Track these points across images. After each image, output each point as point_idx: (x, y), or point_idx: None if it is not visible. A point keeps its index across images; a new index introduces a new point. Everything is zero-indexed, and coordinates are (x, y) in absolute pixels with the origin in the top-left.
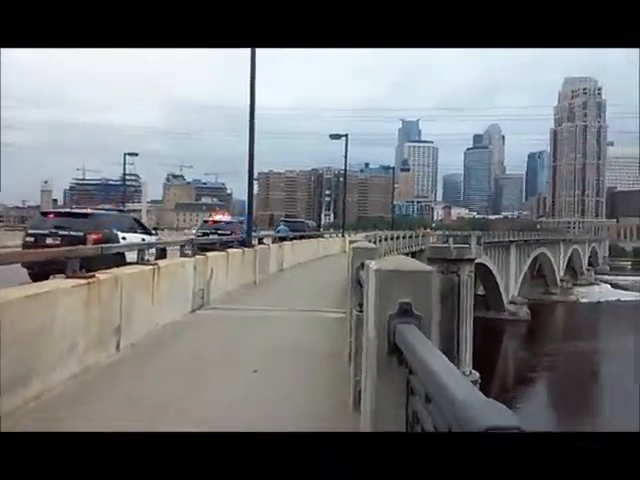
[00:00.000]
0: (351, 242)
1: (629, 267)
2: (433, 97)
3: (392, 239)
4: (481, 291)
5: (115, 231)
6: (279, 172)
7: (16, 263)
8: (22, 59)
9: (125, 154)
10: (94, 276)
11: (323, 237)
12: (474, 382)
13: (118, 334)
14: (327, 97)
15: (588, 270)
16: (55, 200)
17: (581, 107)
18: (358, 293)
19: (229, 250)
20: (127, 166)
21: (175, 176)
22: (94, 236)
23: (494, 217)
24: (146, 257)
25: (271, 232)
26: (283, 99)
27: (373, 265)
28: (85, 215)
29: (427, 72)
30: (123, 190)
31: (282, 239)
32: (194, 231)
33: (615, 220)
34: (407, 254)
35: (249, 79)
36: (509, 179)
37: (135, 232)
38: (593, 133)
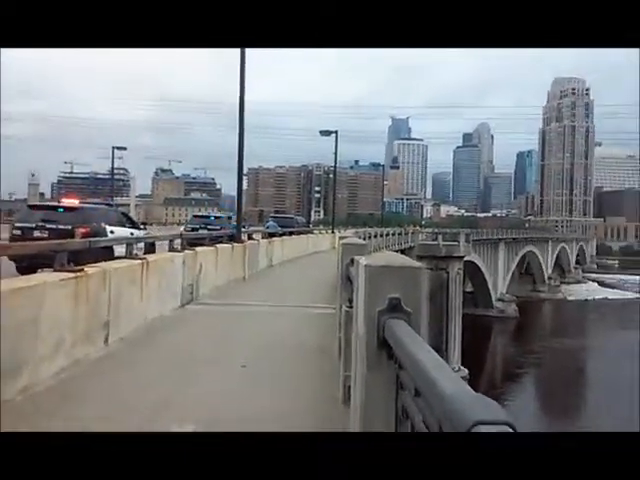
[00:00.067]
0: (341, 238)
1: (616, 266)
2: (423, 95)
3: (382, 236)
4: (470, 288)
5: (103, 225)
6: (269, 168)
7: (3, 256)
8: (8, 53)
9: (113, 148)
10: (82, 270)
11: (313, 233)
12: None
13: (107, 328)
14: (317, 93)
15: (576, 268)
16: (42, 194)
17: (569, 107)
18: (348, 289)
19: (218, 245)
20: (116, 160)
21: (164, 170)
22: (82, 230)
23: (483, 215)
24: (134, 251)
25: (260, 228)
26: (273, 94)
27: (363, 261)
28: (73, 209)
29: (417, 70)
30: (111, 184)
31: (272, 235)
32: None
33: (602, 219)
34: (397, 251)
35: (239, 76)
36: (498, 178)
37: (123, 226)
38: (581, 133)
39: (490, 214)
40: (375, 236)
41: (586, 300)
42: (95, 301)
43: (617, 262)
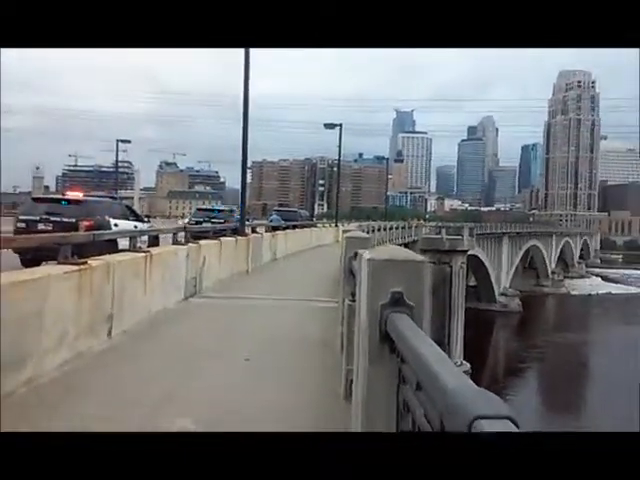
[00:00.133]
0: (344, 232)
1: (620, 260)
2: (428, 88)
3: (385, 229)
4: (473, 282)
5: (107, 218)
6: (273, 161)
7: (7, 249)
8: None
9: (117, 141)
10: (86, 263)
11: (316, 227)
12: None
13: (110, 321)
14: (321, 86)
15: (579, 263)
16: (47, 187)
17: (575, 100)
18: (351, 282)
19: (222, 239)
20: (120, 153)
21: (168, 163)
22: (86, 223)
23: (487, 209)
24: (138, 244)
25: (264, 221)
26: (276, 88)
27: (366, 255)
28: (77, 201)
29: (422, 63)
30: (115, 177)
31: (275, 228)
32: (186, 220)
33: (607, 213)
34: (400, 245)
35: (243, 71)
36: (502, 171)
37: (127, 219)
38: (587, 126)
39: (494, 208)
40: (379, 230)
41: (590, 295)
42: (99, 294)
43: (621, 257)
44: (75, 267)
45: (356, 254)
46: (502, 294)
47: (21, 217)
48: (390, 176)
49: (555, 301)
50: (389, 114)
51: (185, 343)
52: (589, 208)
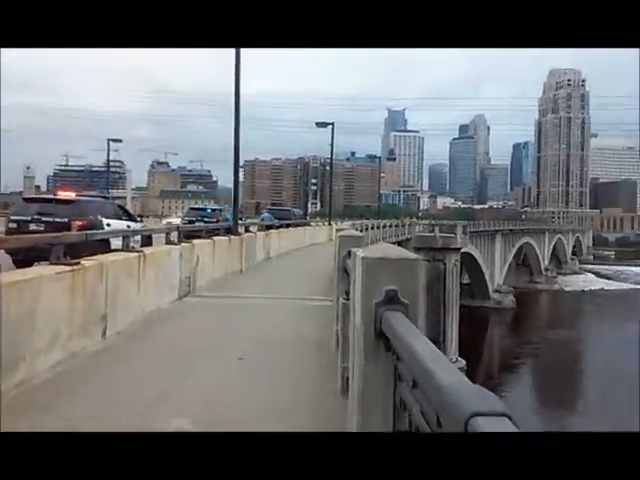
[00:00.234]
0: (338, 230)
1: (612, 257)
2: (419, 87)
3: (379, 228)
4: (467, 280)
5: (100, 218)
6: (265, 160)
7: None
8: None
9: (109, 140)
10: (79, 263)
11: (310, 225)
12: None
13: (104, 321)
14: (313, 85)
15: (572, 259)
16: (38, 186)
17: (565, 98)
18: (345, 281)
19: (215, 238)
20: (111, 152)
21: (160, 163)
22: (78, 222)
23: (479, 207)
24: (131, 244)
25: (256, 220)
26: (269, 86)
27: (360, 253)
28: (69, 201)
29: (414, 62)
30: (107, 177)
31: (269, 227)
32: (173, 219)
33: (598, 211)
34: (394, 243)
35: (234, 72)
36: (494, 169)
37: (120, 219)
38: (577, 124)
39: (487, 206)
40: (372, 228)
41: (583, 291)
42: (92, 294)
43: (613, 253)
44: (68, 267)
45: (350, 252)
46: (496, 291)
47: (13, 217)
48: (382, 174)
49: (548, 297)
50: (381, 113)
51: (179, 343)
52: (581, 205)
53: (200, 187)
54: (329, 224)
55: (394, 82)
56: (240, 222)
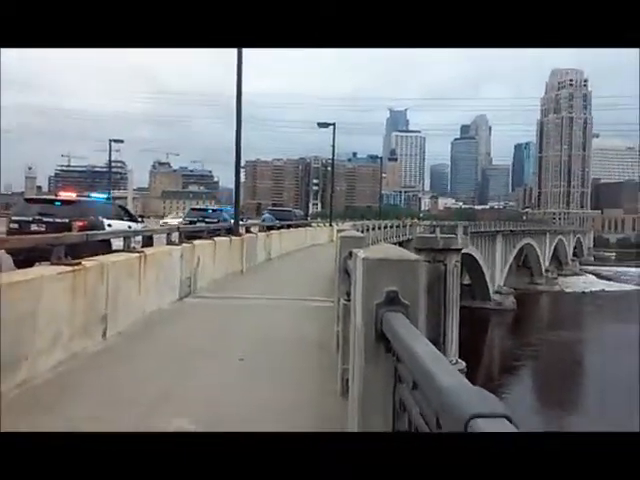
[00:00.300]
0: (339, 231)
1: (613, 258)
2: (421, 87)
3: (380, 228)
4: (467, 281)
5: (101, 218)
6: (266, 160)
7: (0, 250)
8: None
9: (110, 141)
10: (80, 263)
11: (311, 226)
12: (460, 371)
13: (104, 322)
14: (314, 85)
15: (573, 261)
16: (39, 187)
17: (567, 99)
18: (346, 282)
19: (216, 239)
20: (113, 153)
21: (161, 163)
22: (79, 223)
23: (481, 207)
24: (132, 245)
25: (257, 221)
26: (270, 87)
27: (361, 254)
28: (70, 202)
29: (415, 62)
30: (109, 177)
31: (270, 228)
32: (169, 219)
33: (600, 211)
34: (395, 243)
35: (236, 73)
36: (496, 170)
37: (121, 219)
38: (579, 124)
39: (488, 206)
40: (373, 229)
41: (583, 292)
42: (93, 295)
43: (614, 254)
44: (69, 268)
45: (351, 253)
46: (496, 292)
47: (14, 218)
48: (384, 175)
49: (549, 299)
50: (383, 113)
51: (180, 344)
52: (582, 206)
53: (201, 188)
54: (330, 225)
55: (395, 82)
56: (241, 223)
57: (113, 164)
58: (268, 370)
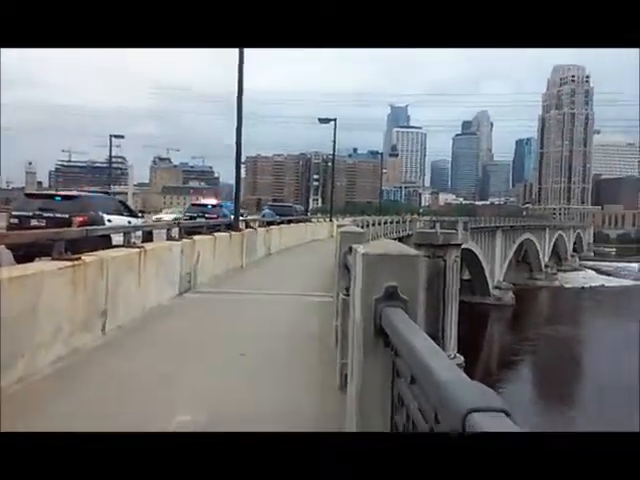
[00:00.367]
0: (339, 227)
1: (613, 253)
2: (422, 83)
3: (380, 224)
4: (467, 276)
5: (101, 213)
6: (267, 156)
7: (0, 245)
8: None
9: (111, 136)
10: (80, 258)
11: (311, 222)
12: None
13: (104, 317)
14: (315, 81)
15: (573, 256)
16: (40, 182)
17: (569, 95)
18: (345, 277)
19: (216, 234)
20: (113, 148)
21: (162, 159)
22: (79, 218)
23: (481, 203)
24: (132, 240)
25: (257, 216)
26: (271, 83)
27: (360, 249)
28: (70, 197)
29: (417, 58)
30: (109, 172)
31: (270, 223)
32: (163, 215)
33: (600, 207)
34: (395, 239)
35: (237, 68)
36: (496, 165)
37: (121, 215)
38: (580, 120)
39: (488, 202)
40: (373, 224)
41: (583, 288)
42: (93, 290)
43: (614, 250)
44: (69, 263)
45: (350, 249)
46: (496, 287)
47: (14, 213)
48: (384, 171)
49: (548, 294)
50: (384, 109)
51: (180, 339)
52: (583, 202)
53: (202, 183)
54: (330, 220)
55: (397, 78)
56: (241, 218)
57: (114, 160)
58: (268, 364)
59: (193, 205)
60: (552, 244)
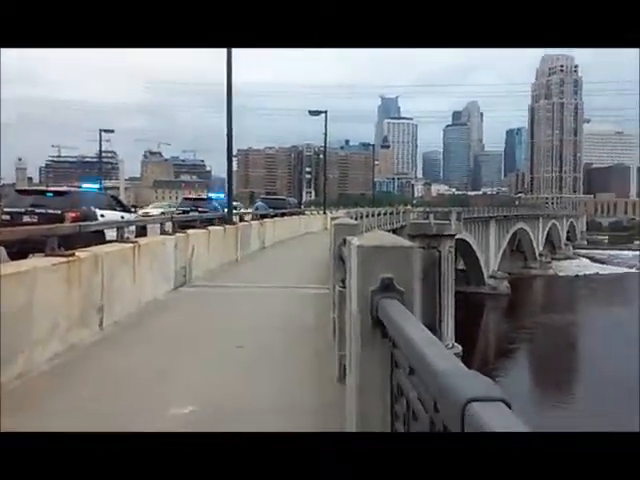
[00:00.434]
0: (333, 219)
1: (606, 241)
2: (412, 74)
3: (373, 216)
4: (462, 266)
5: (93, 209)
6: (258, 149)
7: None
8: None
9: (101, 131)
10: (74, 254)
11: (304, 214)
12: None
13: (101, 312)
14: (305, 73)
15: (566, 245)
16: (30, 178)
17: (558, 84)
18: (341, 269)
19: (210, 228)
20: (103, 143)
21: (152, 153)
22: (72, 214)
23: (473, 193)
24: (126, 235)
25: (249, 210)
26: (262, 75)
27: (355, 242)
28: (62, 193)
29: (406, 49)
30: (99, 167)
31: (263, 216)
32: (149, 209)
33: (592, 196)
34: (388, 230)
35: (225, 63)
36: (488, 156)
37: (114, 210)
38: (570, 110)
39: (481, 192)
40: (367, 216)
41: (577, 276)
42: (88, 285)
43: (607, 238)
44: (63, 259)
45: (345, 241)
46: (491, 277)
47: (6, 209)
48: (377, 162)
49: (543, 283)
50: (374, 100)
51: (177, 333)
52: (574, 191)
53: (194, 177)
54: (324, 213)
55: (387, 69)
56: (234, 212)
57: (104, 154)
58: (265, 357)
59: (186, 199)
60: (546, 233)
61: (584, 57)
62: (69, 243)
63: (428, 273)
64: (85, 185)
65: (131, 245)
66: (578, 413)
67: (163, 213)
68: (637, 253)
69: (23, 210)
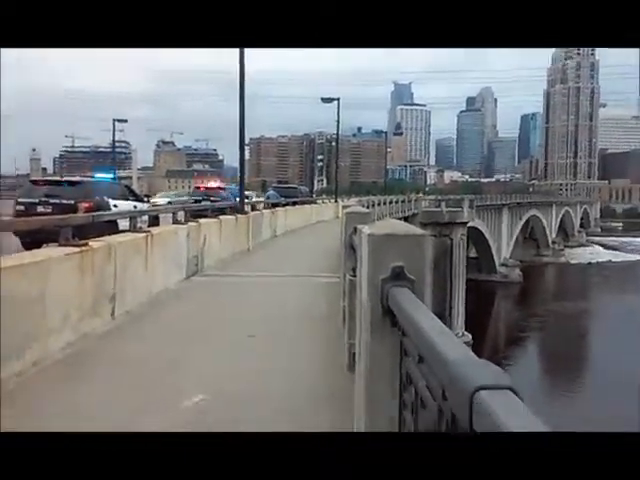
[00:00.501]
0: (344, 207)
1: (620, 228)
2: (425, 59)
3: (385, 204)
4: (473, 254)
5: (107, 199)
6: (271, 137)
7: (7, 232)
8: None
9: (114, 120)
10: (87, 244)
11: (316, 203)
12: (466, 343)
13: (113, 301)
14: (318, 60)
15: (579, 232)
16: (44, 169)
17: (574, 68)
18: (352, 258)
19: (222, 217)
20: (117, 133)
21: (165, 142)
22: (85, 204)
23: (487, 180)
24: (139, 225)
25: (260, 199)
26: (274, 63)
27: (366, 230)
28: (76, 183)
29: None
30: (113, 157)
31: (275, 205)
32: (158, 199)
33: (607, 182)
34: (400, 218)
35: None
36: (502, 142)
37: (127, 199)
38: (586, 94)
39: (494, 179)
40: (378, 204)
41: (589, 263)
42: (101, 275)
43: (621, 224)
44: (76, 249)
45: (356, 229)
46: (502, 265)
47: (20, 200)
48: (389, 150)
49: (555, 270)
50: (387, 87)
51: (188, 322)
52: (589, 177)
53: (206, 166)
54: (335, 201)
55: (399, 55)
56: (246, 201)
57: (117, 144)
58: (276, 346)
59: (197, 188)
60: (559, 220)
61: None
62: (82, 233)
63: (439, 261)
64: (98, 175)
65: (144, 235)
66: (587, 403)
67: (170, 202)
68: None
69: (37, 200)
